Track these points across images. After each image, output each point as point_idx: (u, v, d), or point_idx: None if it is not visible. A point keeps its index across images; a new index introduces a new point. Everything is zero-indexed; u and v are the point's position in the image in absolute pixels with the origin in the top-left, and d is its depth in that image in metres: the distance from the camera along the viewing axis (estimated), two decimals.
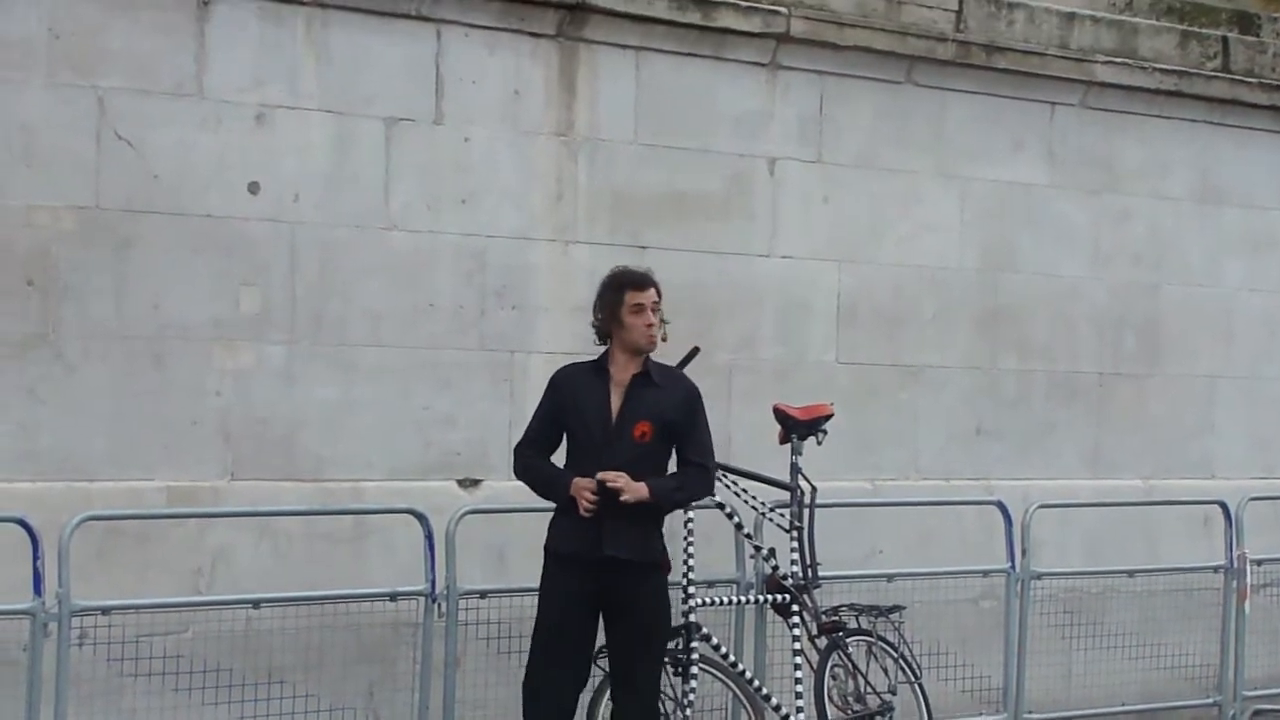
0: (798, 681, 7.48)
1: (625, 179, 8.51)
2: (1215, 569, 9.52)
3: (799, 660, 7.51)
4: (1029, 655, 8.83)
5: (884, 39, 9.09)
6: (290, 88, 7.68)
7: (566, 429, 6.86)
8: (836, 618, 7.83)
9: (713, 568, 7.96)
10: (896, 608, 8.05)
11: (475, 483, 8.05)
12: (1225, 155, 10.33)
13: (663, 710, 7.17)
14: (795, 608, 7.66)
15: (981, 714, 8.87)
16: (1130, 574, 9.44)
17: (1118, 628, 9.47)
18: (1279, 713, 9.70)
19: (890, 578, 8.53)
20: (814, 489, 7.88)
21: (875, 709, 7.78)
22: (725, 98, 8.76)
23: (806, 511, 7.84)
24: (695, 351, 7.68)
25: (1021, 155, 9.69)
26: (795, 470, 7.86)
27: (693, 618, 7.26)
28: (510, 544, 7.84)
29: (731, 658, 7.56)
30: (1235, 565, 9.43)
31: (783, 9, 8.75)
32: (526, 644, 6.94)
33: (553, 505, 6.92)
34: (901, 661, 7.98)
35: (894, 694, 7.93)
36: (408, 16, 7.89)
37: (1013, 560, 8.81)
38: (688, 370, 7.33)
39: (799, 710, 7.43)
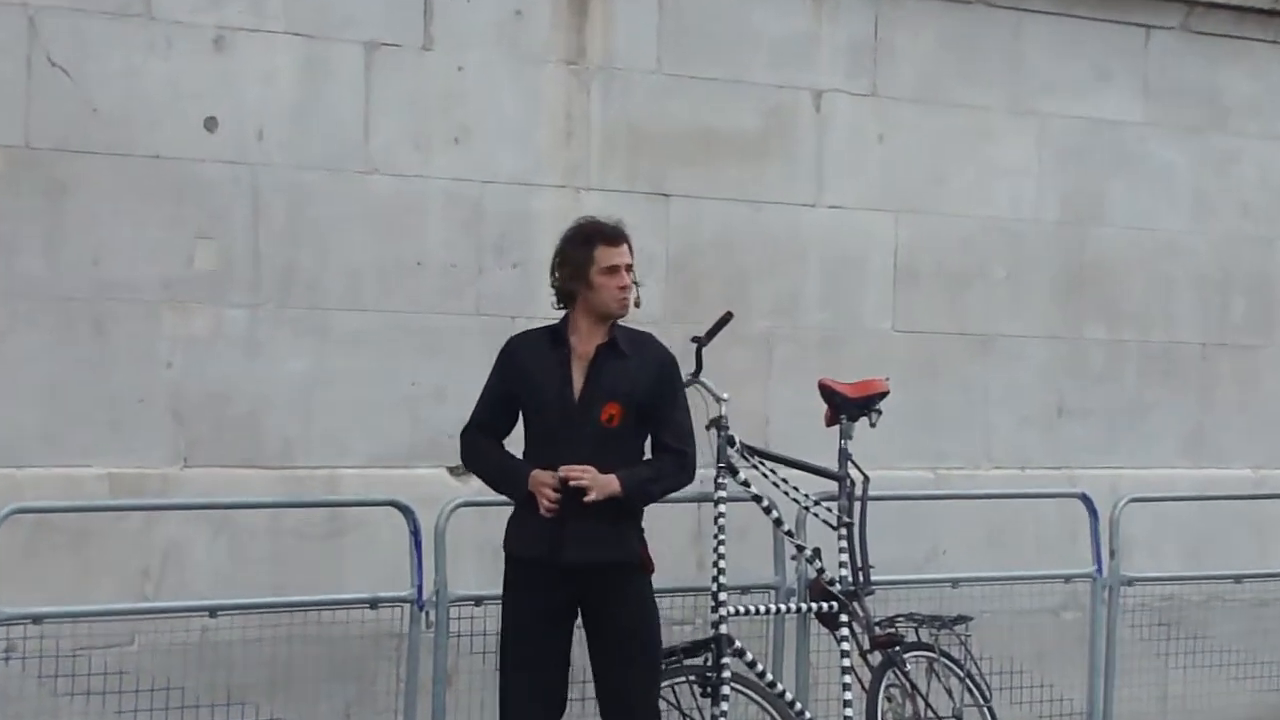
0: (846, 704, 7.48)
1: (645, 114, 8.51)
2: None
3: (848, 679, 7.52)
4: (1118, 674, 8.86)
5: None
6: (253, 6, 7.66)
7: (522, 409, 6.78)
8: (892, 630, 7.85)
9: (747, 571, 7.95)
10: (962, 618, 8.08)
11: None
12: None
13: None
14: (844, 618, 7.66)
15: None
16: (1237, 579, 9.52)
17: (1222, 642, 9.50)
18: None
19: (955, 583, 8.58)
20: (866, 479, 7.89)
21: None
22: (763, 19, 8.76)
23: (857, 505, 7.85)
24: (727, 318, 7.66)
25: (1110, 87, 9.71)
26: (844, 457, 7.87)
27: (724, 629, 7.25)
28: None
29: (769, 676, 7.57)
30: None
31: None
32: None
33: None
34: (968, 681, 8.01)
35: (959, 719, 7.95)
36: None
37: (1099, 563, 8.83)
38: (716, 340, 7.34)
39: None
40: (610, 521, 6.61)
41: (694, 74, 8.59)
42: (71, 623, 6.95)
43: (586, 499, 6.50)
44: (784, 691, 7.57)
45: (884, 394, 8.00)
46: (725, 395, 7.53)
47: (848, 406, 7.92)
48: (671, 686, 7.32)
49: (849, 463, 7.86)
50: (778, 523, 7.81)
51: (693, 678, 7.27)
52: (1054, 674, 9.04)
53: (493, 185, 8.18)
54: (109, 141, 7.43)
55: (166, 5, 7.50)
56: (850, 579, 7.73)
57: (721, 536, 7.33)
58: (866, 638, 7.71)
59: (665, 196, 8.48)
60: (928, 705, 7.84)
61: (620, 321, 6.74)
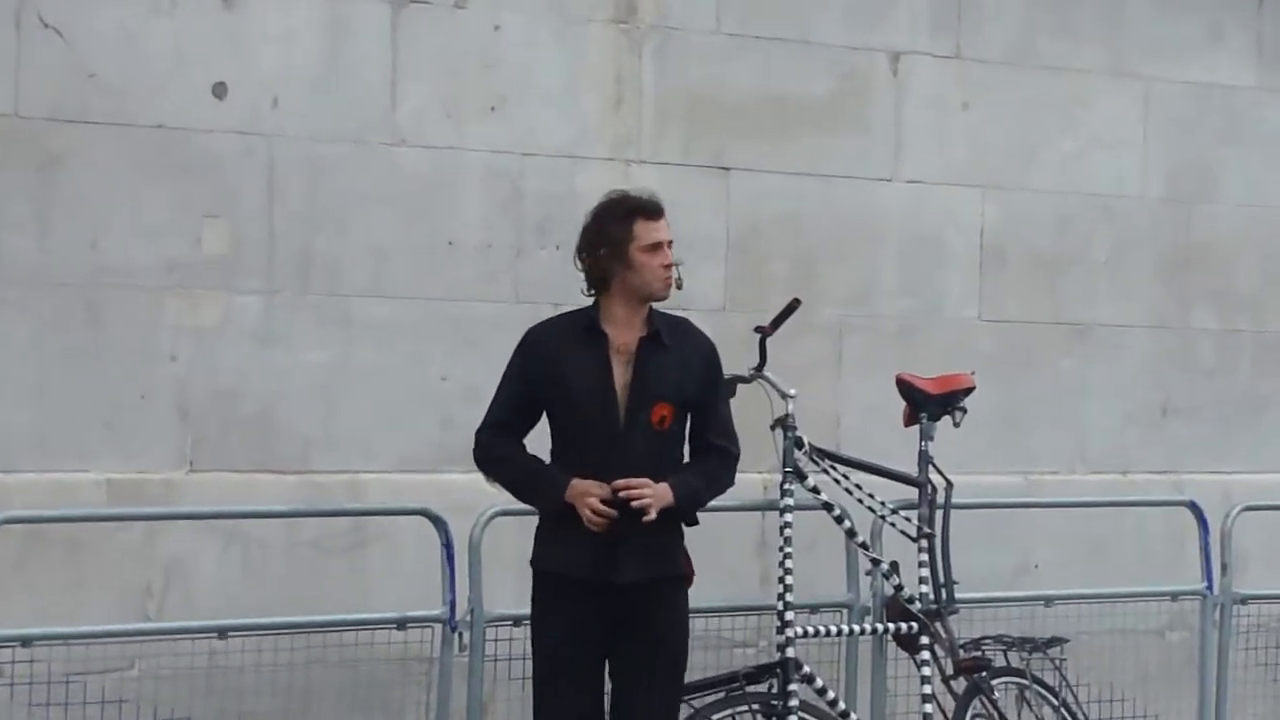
0: None
1: (704, 80, 8.55)
2: None
3: (929, 709, 7.50)
4: (1230, 700, 8.86)
5: None
6: None
7: (549, 410, 6.71)
8: (979, 653, 7.84)
9: (817, 588, 7.96)
10: (1056, 640, 8.11)
11: None
12: None
13: None
14: (925, 640, 7.64)
15: None
16: None
17: None
18: None
19: (1049, 601, 8.60)
20: (949, 485, 7.88)
21: None
22: None
23: (939, 514, 7.84)
24: (794, 305, 7.59)
25: (1222, 49, 9.78)
26: (925, 460, 7.87)
27: (790, 652, 7.23)
28: None
29: (841, 705, 7.53)
30: None
31: None
32: None
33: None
34: (1063, 710, 8.00)
35: None
36: None
37: (1210, 579, 8.83)
38: (782, 330, 7.37)
39: None
40: (665, 534, 6.61)
41: (757, 34, 8.62)
42: (65, 645, 6.91)
43: (647, 518, 6.45)
44: None
45: (969, 390, 8.01)
46: (792, 391, 7.47)
47: (928, 404, 7.91)
48: (734, 715, 7.29)
49: (930, 467, 7.86)
50: (850, 534, 7.77)
51: (757, 706, 7.21)
52: (1159, 702, 9.03)
53: (533, 158, 8.19)
54: (107, 110, 7.44)
55: None
56: (931, 596, 7.71)
57: (788, 549, 7.28)
58: (950, 662, 7.67)
59: (725, 170, 8.50)
60: None
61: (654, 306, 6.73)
